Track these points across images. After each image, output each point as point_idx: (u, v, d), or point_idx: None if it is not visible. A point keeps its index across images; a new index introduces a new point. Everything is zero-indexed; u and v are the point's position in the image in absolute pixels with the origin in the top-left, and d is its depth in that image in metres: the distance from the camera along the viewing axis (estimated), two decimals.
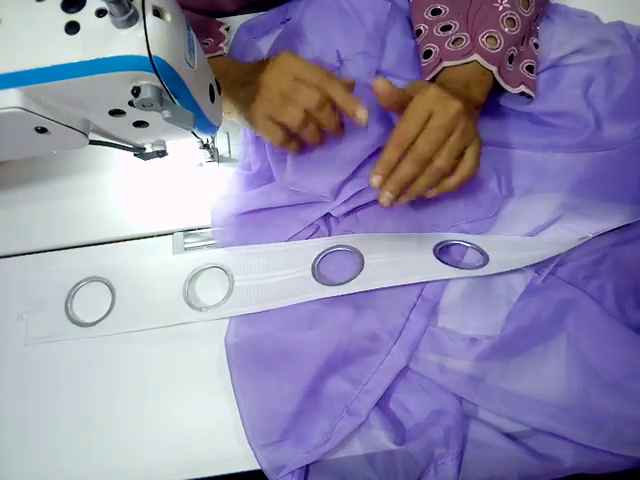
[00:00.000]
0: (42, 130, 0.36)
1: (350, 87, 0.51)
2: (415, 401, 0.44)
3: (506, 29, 0.50)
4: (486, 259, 0.48)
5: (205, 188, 0.53)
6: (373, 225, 0.50)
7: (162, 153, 0.45)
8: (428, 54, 0.52)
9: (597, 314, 0.45)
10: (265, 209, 0.52)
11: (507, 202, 0.51)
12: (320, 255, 0.49)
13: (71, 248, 0.53)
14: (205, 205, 0.52)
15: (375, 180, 0.42)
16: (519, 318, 0.46)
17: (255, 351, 0.46)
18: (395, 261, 0.47)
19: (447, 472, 0.41)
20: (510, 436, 0.42)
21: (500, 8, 0.50)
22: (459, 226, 0.50)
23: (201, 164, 0.53)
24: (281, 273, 0.49)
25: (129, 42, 0.31)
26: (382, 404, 0.44)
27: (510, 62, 0.51)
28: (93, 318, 0.48)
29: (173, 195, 0.54)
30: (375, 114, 0.52)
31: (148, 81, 0.32)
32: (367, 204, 0.51)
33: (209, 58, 0.53)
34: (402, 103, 0.43)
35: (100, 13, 0.31)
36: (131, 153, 0.45)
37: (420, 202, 0.49)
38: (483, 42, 0.49)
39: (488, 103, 0.52)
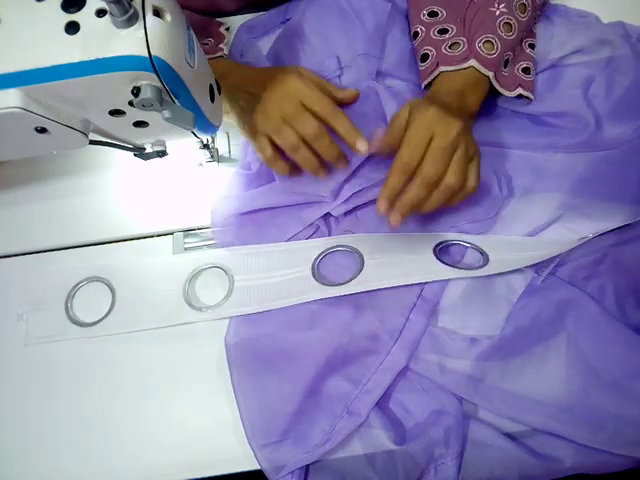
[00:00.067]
0: (42, 130, 0.36)
1: (354, 98, 0.52)
2: (415, 401, 0.44)
3: (503, 34, 0.50)
4: (486, 259, 0.48)
5: (205, 188, 0.53)
6: (373, 225, 0.50)
7: (162, 153, 0.45)
8: (425, 57, 0.52)
9: (597, 314, 0.45)
10: (265, 209, 0.52)
11: (507, 202, 0.51)
12: (320, 255, 0.49)
13: (71, 248, 0.53)
14: (205, 205, 0.52)
15: (382, 206, 0.43)
16: (519, 318, 0.45)
17: (255, 351, 0.46)
18: (395, 261, 0.47)
19: (447, 472, 0.41)
20: (510, 436, 0.42)
21: (497, 13, 0.50)
22: (459, 226, 0.50)
23: (201, 164, 0.53)
24: (281, 273, 0.49)
25: (129, 42, 0.31)
26: (382, 404, 0.44)
27: (505, 66, 0.51)
28: (93, 318, 0.48)
29: (173, 195, 0.54)
30: (374, 115, 0.53)
31: (148, 81, 0.32)
32: (367, 204, 0.51)
33: (210, 59, 0.54)
34: (396, 143, 0.44)
35: (100, 13, 0.31)
36: (131, 153, 0.45)
37: None
38: (480, 47, 0.49)
39: (487, 104, 0.52)
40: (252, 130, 0.50)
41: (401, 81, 0.55)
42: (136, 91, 0.33)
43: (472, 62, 0.49)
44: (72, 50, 0.31)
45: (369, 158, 0.50)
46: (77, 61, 0.31)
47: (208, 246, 0.52)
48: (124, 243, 0.53)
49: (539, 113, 0.53)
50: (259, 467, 0.42)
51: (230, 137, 0.55)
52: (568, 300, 0.46)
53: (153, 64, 0.31)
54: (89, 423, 0.45)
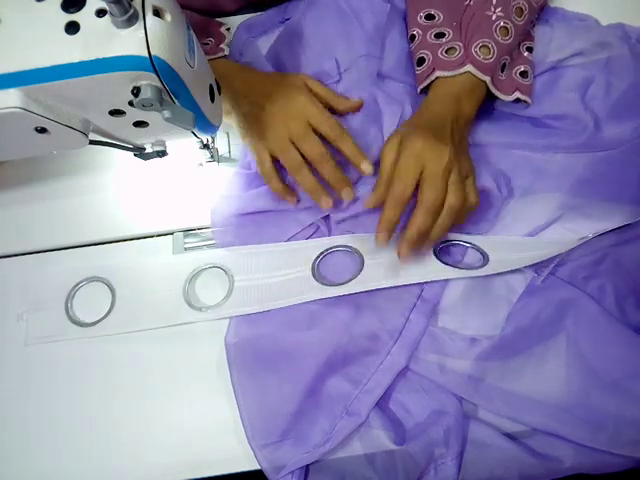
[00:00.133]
0: (42, 130, 0.36)
1: (358, 107, 0.53)
2: (415, 401, 0.44)
3: (499, 38, 0.50)
4: (486, 259, 0.48)
5: (205, 188, 0.53)
6: (373, 225, 0.50)
7: (162, 153, 0.45)
8: (421, 61, 0.52)
9: (597, 314, 0.45)
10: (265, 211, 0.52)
11: (507, 202, 0.51)
12: (320, 255, 0.49)
13: (71, 248, 0.53)
14: (205, 205, 0.52)
15: (381, 238, 0.44)
16: (519, 318, 0.46)
17: (255, 351, 0.46)
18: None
19: (447, 472, 0.41)
20: (510, 436, 0.42)
21: (494, 17, 0.50)
22: (459, 227, 0.50)
23: (201, 164, 0.53)
24: (281, 273, 0.49)
25: (129, 42, 0.31)
26: (382, 404, 0.44)
27: (502, 70, 0.51)
28: (93, 318, 0.48)
29: (173, 195, 0.54)
30: (374, 123, 0.53)
31: (148, 81, 0.32)
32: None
33: (211, 60, 0.54)
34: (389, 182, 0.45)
35: (100, 13, 0.31)
36: (131, 153, 0.45)
37: None
38: (476, 52, 0.49)
39: (486, 106, 0.52)
40: (253, 139, 0.50)
41: (400, 83, 0.55)
42: (136, 91, 0.33)
43: (468, 67, 0.49)
44: (72, 50, 0.31)
45: None
46: (77, 61, 0.31)
47: (208, 246, 0.52)
48: (124, 243, 0.53)
49: (537, 116, 0.53)
50: (259, 467, 0.42)
51: (230, 137, 0.55)
52: (568, 300, 0.46)
53: (153, 64, 0.31)
54: (89, 423, 0.45)
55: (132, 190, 0.54)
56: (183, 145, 0.48)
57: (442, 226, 0.44)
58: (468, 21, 0.51)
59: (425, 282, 0.47)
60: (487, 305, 0.47)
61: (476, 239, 0.49)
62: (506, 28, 0.50)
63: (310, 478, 0.42)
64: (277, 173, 0.50)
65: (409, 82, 0.55)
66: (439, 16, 0.52)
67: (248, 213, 0.51)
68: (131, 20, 0.30)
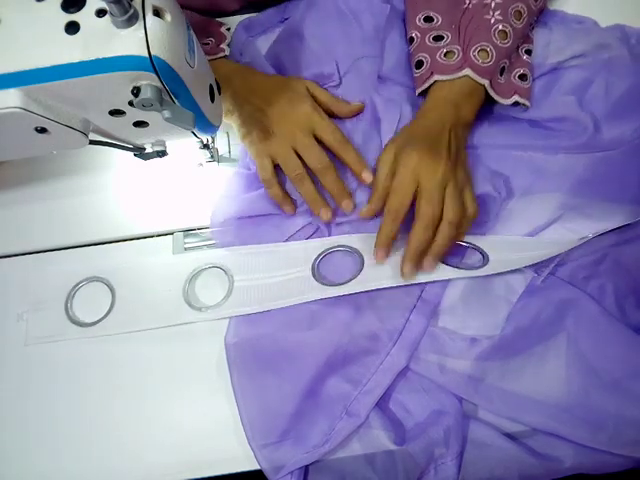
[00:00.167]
0: (42, 130, 0.36)
1: (359, 111, 0.54)
2: (415, 401, 0.44)
3: (498, 42, 0.49)
4: (486, 259, 0.48)
5: (205, 188, 0.53)
6: (373, 225, 0.50)
7: (162, 153, 0.45)
8: (420, 64, 0.52)
9: (597, 314, 0.45)
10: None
11: (507, 203, 0.50)
12: (320, 255, 0.49)
13: (71, 248, 0.53)
14: (205, 205, 0.52)
15: (380, 254, 0.45)
16: (519, 318, 0.45)
17: (255, 351, 0.46)
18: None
19: (447, 472, 0.41)
20: (510, 436, 0.42)
21: (492, 20, 0.50)
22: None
23: (201, 164, 0.53)
24: (281, 273, 0.49)
25: (129, 42, 0.31)
26: (382, 404, 0.44)
27: (501, 74, 0.51)
28: (93, 318, 0.48)
29: (173, 195, 0.54)
30: (373, 127, 0.53)
31: (148, 81, 0.32)
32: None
33: (212, 60, 0.54)
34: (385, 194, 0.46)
35: (100, 13, 0.31)
36: (131, 153, 0.45)
37: None
38: (475, 56, 0.49)
39: (485, 108, 0.52)
40: (254, 143, 0.51)
41: (400, 86, 0.55)
42: (136, 91, 0.33)
43: (467, 71, 0.49)
44: (72, 50, 0.31)
45: None
46: (77, 61, 0.31)
47: (208, 246, 0.52)
48: (124, 243, 0.53)
49: (536, 119, 0.53)
50: (259, 467, 0.42)
51: (230, 137, 0.55)
52: (568, 300, 0.45)
53: (153, 64, 0.31)
54: (89, 423, 0.45)
55: (132, 190, 0.54)
56: (183, 145, 0.48)
57: (443, 240, 0.44)
58: (467, 24, 0.51)
59: (426, 282, 0.47)
60: (487, 305, 0.47)
61: (476, 239, 0.49)
62: (505, 32, 0.50)
63: (310, 478, 0.42)
64: (278, 179, 0.50)
65: (408, 84, 0.55)
66: (438, 19, 0.52)
67: (247, 216, 0.51)
68: (131, 20, 0.30)
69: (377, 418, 0.43)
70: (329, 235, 0.51)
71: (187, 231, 0.52)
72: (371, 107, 0.54)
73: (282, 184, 0.51)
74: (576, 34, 0.56)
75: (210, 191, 0.53)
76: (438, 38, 0.51)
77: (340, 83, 0.56)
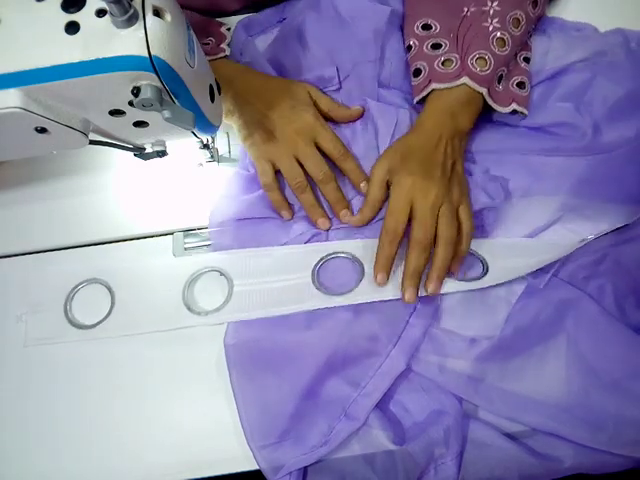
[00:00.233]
0: (42, 130, 0.36)
1: (358, 115, 0.54)
2: (415, 401, 0.44)
3: (496, 50, 0.49)
4: (486, 269, 0.47)
5: (205, 188, 0.53)
6: (370, 230, 0.50)
7: (162, 153, 0.45)
8: (418, 73, 0.51)
9: (597, 314, 0.45)
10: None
11: (506, 205, 0.50)
12: (320, 261, 0.49)
13: (71, 248, 0.53)
14: (205, 205, 0.52)
15: (380, 278, 0.45)
16: (518, 318, 0.45)
17: (254, 352, 0.46)
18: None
19: (447, 472, 0.41)
20: (510, 436, 0.42)
21: (490, 28, 0.50)
22: None
23: (201, 164, 0.53)
24: (281, 278, 0.48)
25: (129, 42, 0.31)
26: (382, 404, 0.44)
27: (499, 82, 0.51)
28: (92, 320, 0.48)
29: (173, 195, 0.54)
30: (369, 132, 0.53)
31: (148, 81, 0.32)
32: None
33: (213, 60, 0.54)
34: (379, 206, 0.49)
35: (100, 13, 0.31)
36: (131, 153, 0.45)
37: None
38: (472, 64, 0.49)
39: (483, 114, 0.51)
40: (255, 146, 0.51)
41: (398, 91, 0.55)
42: (136, 91, 0.33)
43: (464, 79, 0.49)
44: (72, 50, 0.31)
45: None
46: (77, 61, 0.31)
47: (208, 246, 0.51)
48: (124, 243, 0.53)
49: (534, 126, 0.52)
50: (258, 467, 0.42)
51: (230, 137, 0.55)
52: (568, 300, 0.45)
53: (153, 64, 0.31)
54: (89, 423, 0.45)
55: (132, 190, 0.54)
56: (183, 145, 0.48)
57: (441, 262, 0.44)
58: (465, 32, 0.51)
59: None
60: (487, 306, 0.47)
61: (475, 242, 0.48)
62: (503, 39, 0.49)
63: (309, 478, 0.42)
64: (278, 184, 0.51)
65: (407, 90, 0.55)
66: (436, 26, 0.52)
67: (245, 218, 0.51)
68: (131, 20, 0.30)
69: (376, 418, 0.43)
70: (327, 237, 0.50)
71: (187, 231, 0.52)
72: (368, 112, 0.54)
73: (281, 189, 0.51)
74: (575, 41, 0.55)
75: (210, 191, 0.53)
76: (436, 46, 0.51)
77: (340, 87, 0.56)
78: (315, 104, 0.52)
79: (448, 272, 0.46)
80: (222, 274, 0.49)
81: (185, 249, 0.51)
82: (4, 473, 0.44)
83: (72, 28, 0.31)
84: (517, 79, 0.52)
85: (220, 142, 0.55)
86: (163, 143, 0.45)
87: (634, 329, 0.44)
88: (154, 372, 0.47)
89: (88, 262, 0.52)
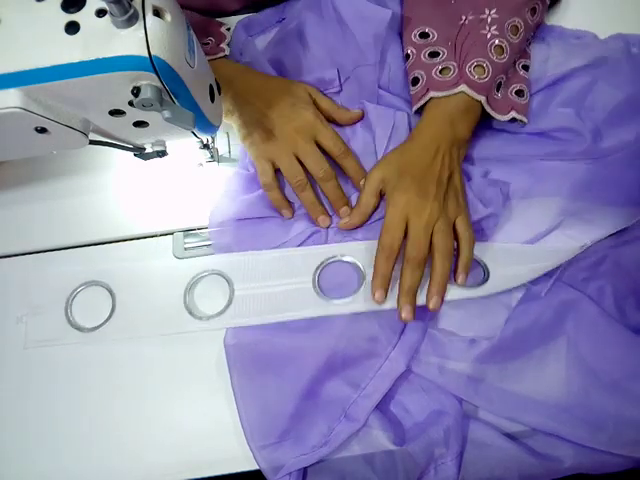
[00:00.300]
0: (42, 130, 0.36)
1: (358, 118, 0.54)
2: (415, 401, 0.44)
3: (494, 57, 0.49)
4: (487, 272, 0.47)
5: (205, 188, 0.53)
6: (370, 230, 0.50)
7: (162, 153, 0.45)
8: (416, 81, 0.51)
9: (597, 316, 0.45)
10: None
11: (506, 208, 0.50)
12: (321, 265, 0.49)
13: (71, 248, 0.53)
14: (205, 205, 0.52)
15: (378, 295, 0.45)
16: (518, 320, 0.45)
17: (254, 352, 0.46)
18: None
19: (447, 472, 0.41)
20: (510, 436, 0.42)
21: (488, 35, 0.49)
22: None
23: (201, 164, 0.53)
24: (282, 282, 0.48)
25: (129, 42, 0.31)
26: (381, 405, 0.44)
27: (498, 90, 0.51)
28: (93, 323, 0.48)
29: (173, 195, 0.54)
30: (367, 136, 0.53)
31: (148, 81, 0.32)
32: None
33: (213, 60, 0.54)
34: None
35: (100, 13, 0.31)
36: (131, 153, 0.45)
37: None
38: (471, 72, 0.48)
39: (482, 122, 0.51)
40: (254, 145, 0.51)
41: (397, 96, 0.55)
42: (136, 91, 0.33)
43: (462, 87, 0.48)
44: (72, 50, 0.31)
45: None
46: (77, 61, 0.31)
47: (208, 246, 0.51)
48: (124, 243, 0.53)
49: (534, 132, 0.52)
50: (258, 467, 0.42)
51: (230, 137, 0.55)
52: (568, 302, 0.45)
53: (153, 64, 0.31)
54: (89, 423, 0.45)
55: (132, 190, 0.54)
56: (183, 145, 0.48)
57: (439, 275, 0.44)
58: (463, 40, 0.50)
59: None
60: (487, 308, 0.47)
61: (476, 247, 0.48)
62: (501, 47, 0.49)
63: (309, 479, 0.42)
64: (278, 184, 0.51)
65: (406, 95, 0.54)
66: (433, 34, 0.52)
67: (244, 219, 0.51)
68: (131, 20, 0.30)
69: (376, 419, 0.43)
70: (327, 238, 0.50)
71: (187, 231, 0.52)
72: (366, 114, 0.53)
73: (281, 188, 0.51)
74: (574, 49, 0.55)
75: (210, 191, 0.53)
76: (434, 54, 0.51)
77: (341, 90, 0.56)
78: (315, 104, 0.52)
79: (455, 282, 0.46)
80: (223, 277, 0.49)
81: (185, 249, 0.51)
82: (4, 473, 0.44)
83: (72, 28, 0.31)
84: (516, 87, 0.52)
85: (220, 142, 0.55)
86: (163, 143, 0.45)
87: (634, 330, 0.44)
88: (154, 372, 0.47)
89: (88, 263, 0.52)
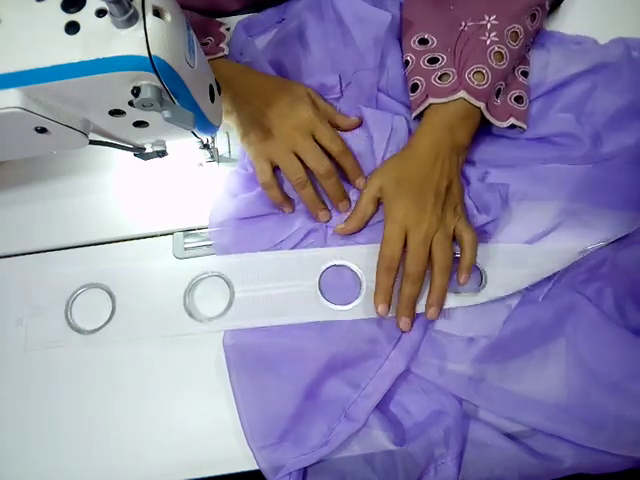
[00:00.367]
0: (42, 130, 0.36)
1: (356, 126, 0.53)
2: (415, 402, 0.44)
3: (494, 64, 0.49)
4: (484, 277, 0.47)
5: (205, 188, 0.53)
6: (369, 231, 0.50)
7: (162, 153, 0.45)
8: (415, 87, 0.51)
9: (596, 317, 0.45)
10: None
11: (505, 211, 0.50)
12: (323, 270, 0.49)
13: (71, 248, 0.53)
14: (205, 205, 0.52)
15: (381, 309, 0.45)
16: (518, 320, 0.46)
17: (254, 352, 0.46)
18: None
19: (447, 472, 0.41)
20: (510, 436, 0.42)
21: (488, 42, 0.49)
22: None
23: (201, 164, 0.53)
24: (283, 285, 0.48)
25: (129, 42, 0.31)
26: (381, 405, 0.44)
27: (497, 96, 0.50)
28: (93, 325, 0.48)
29: (173, 195, 0.54)
30: (366, 141, 0.53)
31: (148, 81, 0.32)
32: None
33: (212, 60, 0.54)
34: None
35: (100, 13, 0.31)
36: (131, 153, 0.45)
37: None
38: (470, 78, 0.48)
39: (482, 128, 0.51)
40: (252, 144, 0.51)
41: (396, 101, 0.55)
42: (136, 91, 0.33)
43: (462, 94, 0.48)
44: (72, 50, 0.31)
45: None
46: (77, 61, 0.31)
47: (208, 246, 0.51)
48: (124, 243, 0.53)
49: (535, 136, 0.52)
50: (258, 467, 0.42)
51: (230, 137, 0.55)
52: (567, 304, 0.46)
53: (153, 64, 0.31)
54: (89, 423, 0.45)
55: (132, 190, 0.54)
56: (183, 145, 0.48)
57: (438, 287, 0.45)
58: (462, 46, 0.50)
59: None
60: (486, 310, 0.47)
61: None
62: (501, 53, 0.49)
63: (309, 479, 0.42)
64: (277, 182, 0.50)
65: (406, 98, 0.54)
66: (433, 41, 0.52)
67: (244, 218, 0.51)
68: (131, 20, 0.30)
69: (376, 419, 0.43)
70: (326, 237, 0.50)
71: (187, 231, 0.52)
72: (364, 119, 0.53)
73: (280, 186, 0.51)
74: (574, 54, 0.55)
75: (210, 191, 0.53)
76: (433, 60, 0.51)
77: (341, 96, 0.55)
78: (314, 105, 0.52)
79: (457, 281, 0.46)
80: (223, 279, 0.49)
81: (185, 249, 0.51)
82: (4, 473, 0.44)
83: (72, 28, 0.31)
84: (515, 93, 0.52)
85: (220, 142, 0.55)
86: (163, 143, 0.45)
87: (633, 331, 0.44)
88: (154, 372, 0.47)
89: (88, 263, 0.52)
